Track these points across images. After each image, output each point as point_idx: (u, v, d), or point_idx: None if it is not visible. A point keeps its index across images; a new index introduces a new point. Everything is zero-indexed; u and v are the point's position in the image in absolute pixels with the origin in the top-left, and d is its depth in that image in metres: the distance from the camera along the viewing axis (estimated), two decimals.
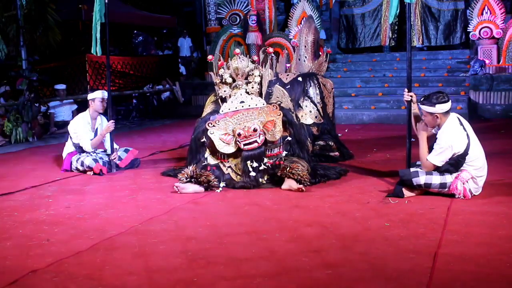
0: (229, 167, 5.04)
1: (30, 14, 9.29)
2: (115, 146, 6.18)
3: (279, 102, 5.31)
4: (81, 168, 6.01)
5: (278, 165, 4.98)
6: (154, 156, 7.19)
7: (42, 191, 5.21)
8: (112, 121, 6.01)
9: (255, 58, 5.46)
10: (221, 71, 5.40)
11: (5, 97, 10.02)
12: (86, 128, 6.08)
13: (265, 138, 4.95)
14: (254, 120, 4.99)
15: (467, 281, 2.79)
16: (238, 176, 5.00)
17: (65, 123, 8.99)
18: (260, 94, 5.31)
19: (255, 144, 4.87)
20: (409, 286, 2.76)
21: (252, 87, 5.24)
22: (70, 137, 6.14)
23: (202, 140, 5.19)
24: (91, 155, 6.06)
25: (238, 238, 3.60)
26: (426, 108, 4.39)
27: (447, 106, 4.35)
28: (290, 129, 5.19)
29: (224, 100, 5.31)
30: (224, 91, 5.30)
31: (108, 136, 6.11)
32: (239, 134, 4.90)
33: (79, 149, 6.10)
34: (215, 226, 3.89)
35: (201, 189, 4.89)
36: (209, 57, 5.82)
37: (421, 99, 4.48)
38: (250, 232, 3.72)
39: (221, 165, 5.07)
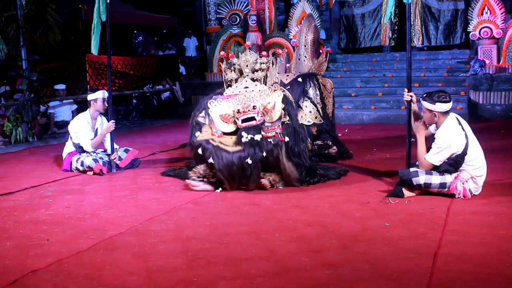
0: (220, 142, 4.96)
1: (30, 14, 9.30)
2: (115, 146, 6.19)
3: (282, 89, 5.30)
4: (81, 168, 6.01)
5: (276, 144, 4.88)
6: (154, 156, 7.20)
7: (42, 191, 5.22)
8: (112, 121, 6.01)
9: (264, 53, 5.48)
10: (230, 60, 5.45)
11: (5, 97, 10.03)
12: (87, 128, 6.08)
13: (264, 120, 4.94)
14: (256, 102, 5.02)
15: (467, 281, 2.79)
16: (227, 146, 4.88)
17: (65, 123, 9.01)
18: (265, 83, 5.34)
19: (253, 122, 4.87)
20: (409, 286, 2.76)
21: (258, 74, 5.27)
22: (70, 137, 6.13)
23: (200, 116, 5.17)
24: (91, 155, 6.06)
25: (238, 238, 3.60)
26: (426, 104, 4.41)
27: (447, 106, 4.36)
28: (288, 117, 5.15)
29: (229, 85, 5.35)
30: (232, 74, 5.35)
31: (108, 136, 6.11)
32: (238, 111, 4.93)
33: (79, 149, 6.10)
34: (215, 226, 3.89)
35: (212, 188, 4.92)
36: (222, 52, 5.86)
37: (423, 95, 4.49)
38: (250, 232, 3.72)
39: (211, 140, 4.98)
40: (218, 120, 5.01)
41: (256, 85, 5.25)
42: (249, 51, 5.45)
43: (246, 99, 5.10)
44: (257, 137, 4.82)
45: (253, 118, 4.87)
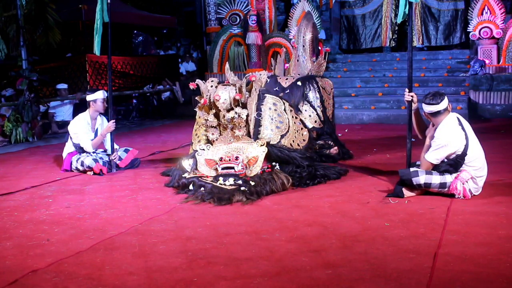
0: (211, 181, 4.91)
1: (30, 14, 9.30)
2: (115, 146, 6.19)
3: (268, 140, 5.15)
4: (81, 168, 6.01)
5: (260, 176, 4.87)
6: (154, 156, 7.19)
7: (42, 191, 5.22)
8: (113, 121, 6.01)
9: (237, 97, 5.14)
10: (204, 115, 5.29)
11: (6, 97, 10.04)
12: (86, 128, 6.08)
13: (245, 173, 4.84)
14: (241, 154, 4.94)
15: (467, 281, 2.79)
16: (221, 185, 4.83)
17: (65, 123, 9.01)
18: (248, 121, 5.22)
19: (232, 171, 4.81)
20: (409, 286, 2.76)
21: (240, 125, 5.17)
22: (70, 137, 6.13)
23: (187, 163, 5.16)
24: (91, 155, 6.06)
25: (238, 238, 3.60)
26: None
27: (427, 108, 4.43)
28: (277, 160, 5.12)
29: (213, 126, 5.25)
30: (212, 134, 5.26)
31: (108, 136, 6.11)
32: (220, 159, 4.91)
33: (79, 149, 6.10)
34: (215, 226, 3.89)
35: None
36: (191, 87, 5.48)
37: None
38: (250, 232, 3.73)
39: (202, 179, 4.92)
40: (202, 162, 4.99)
41: (241, 138, 5.15)
42: (222, 91, 5.14)
43: (232, 149, 5.03)
44: (238, 181, 4.72)
45: (232, 168, 4.83)
